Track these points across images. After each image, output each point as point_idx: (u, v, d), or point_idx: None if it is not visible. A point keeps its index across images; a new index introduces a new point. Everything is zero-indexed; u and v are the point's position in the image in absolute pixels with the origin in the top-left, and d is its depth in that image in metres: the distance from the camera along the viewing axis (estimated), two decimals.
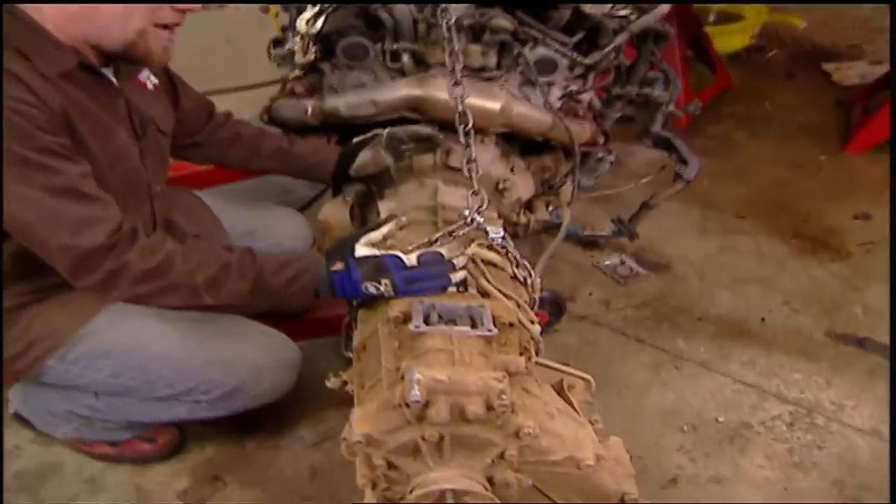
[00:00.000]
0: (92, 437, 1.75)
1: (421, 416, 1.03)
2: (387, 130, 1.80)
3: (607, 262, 2.51)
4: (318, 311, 1.81)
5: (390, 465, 1.07)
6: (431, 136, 1.80)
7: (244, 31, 4.24)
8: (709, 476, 1.75)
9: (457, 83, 1.55)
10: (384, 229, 1.48)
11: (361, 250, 1.39)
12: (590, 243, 2.61)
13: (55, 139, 1.28)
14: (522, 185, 2.00)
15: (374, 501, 1.12)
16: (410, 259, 1.33)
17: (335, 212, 1.93)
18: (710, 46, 3.70)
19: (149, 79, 1.60)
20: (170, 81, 1.73)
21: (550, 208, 2.14)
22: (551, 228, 2.10)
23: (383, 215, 1.72)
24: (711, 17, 4.23)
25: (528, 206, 2.09)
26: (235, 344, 1.58)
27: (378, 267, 1.32)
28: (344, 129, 1.96)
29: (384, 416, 1.06)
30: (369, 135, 1.82)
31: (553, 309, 2.16)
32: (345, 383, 1.34)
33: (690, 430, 1.87)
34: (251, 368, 1.58)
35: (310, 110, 1.87)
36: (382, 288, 1.31)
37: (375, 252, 1.38)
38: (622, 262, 2.51)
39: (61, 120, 1.30)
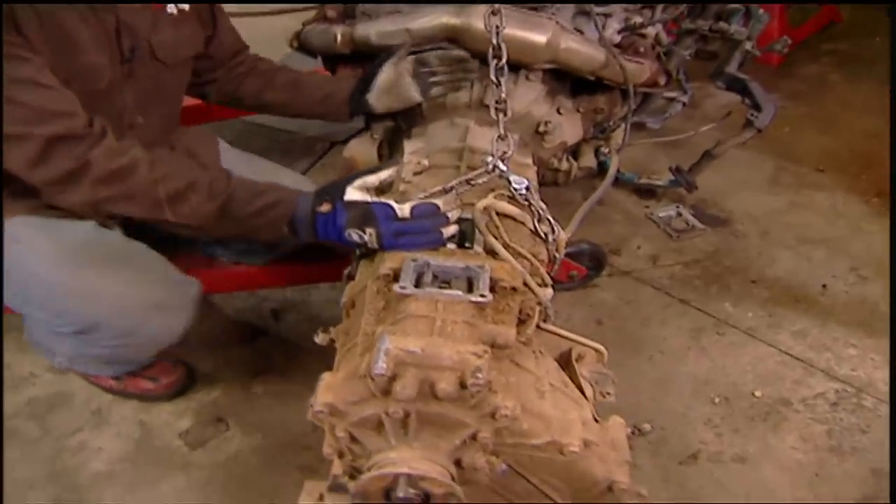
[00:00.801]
0: (82, 369, 1.75)
1: (387, 390, 0.97)
2: (412, 55, 1.64)
3: (662, 214, 2.36)
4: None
5: (353, 439, 1.02)
6: (464, 59, 1.63)
7: None
8: (733, 454, 1.65)
9: (496, 11, 1.42)
10: (383, 174, 1.36)
11: (353, 193, 1.29)
12: (647, 192, 2.46)
13: (9, 35, 1.21)
14: (569, 129, 1.86)
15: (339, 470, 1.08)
16: (403, 210, 1.23)
17: (362, 149, 1.86)
18: None
19: (174, 2, 1.50)
20: (210, 12, 1.63)
21: (602, 153, 2.01)
22: (600, 175, 1.97)
23: (406, 155, 1.63)
24: None
25: (575, 151, 1.95)
26: (109, 277, 1.44)
27: (366, 214, 1.23)
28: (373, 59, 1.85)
29: (350, 385, 1.00)
30: (392, 53, 1.65)
31: (592, 263, 2.05)
32: (332, 341, 1.29)
33: (722, 403, 1.76)
34: (115, 304, 1.43)
35: (339, 37, 1.76)
36: (367, 237, 1.23)
37: (366, 198, 1.28)
38: (678, 215, 2.35)
39: (9, 20, 1.22)
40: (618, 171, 2.02)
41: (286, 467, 1.64)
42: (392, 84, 1.64)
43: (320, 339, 1.29)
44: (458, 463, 1.01)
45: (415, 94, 1.64)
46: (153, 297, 1.48)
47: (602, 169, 2.00)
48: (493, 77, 1.41)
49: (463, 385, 0.96)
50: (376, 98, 1.65)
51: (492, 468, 1.02)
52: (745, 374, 1.83)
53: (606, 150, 2.02)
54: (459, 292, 1.12)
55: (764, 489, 1.57)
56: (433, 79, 1.64)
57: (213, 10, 1.64)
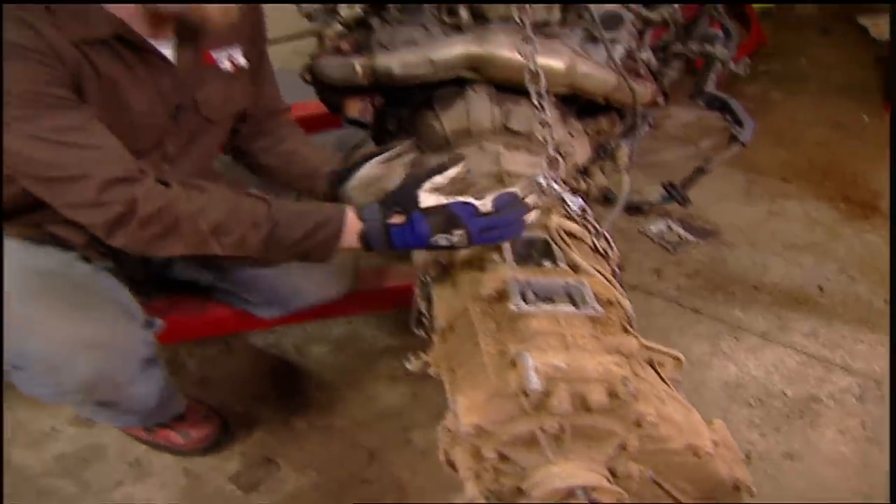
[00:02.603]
0: (110, 423, 1.67)
1: (540, 406, 0.95)
2: (408, 155, 1.58)
3: (654, 230, 2.44)
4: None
5: (502, 458, 1.00)
6: (465, 180, 1.50)
7: None
8: (781, 452, 1.70)
9: (527, 39, 1.44)
10: (451, 172, 1.34)
11: (427, 199, 1.26)
12: (634, 209, 2.52)
13: (61, 90, 1.18)
14: (580, 150, 1.90)
15: (477, 493, 1.05)
16: (485, 204, 1.23)
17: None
18: (744, 1, 3.58)
19: (229, 58, 1.46)
20: (260, 67, 1.59)
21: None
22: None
23: None
24: None
25: (585, 171, 2.00)
26: (48, 308, 1.32)
27: (449, 217, 1.21)
28: (392, 90, 1.85)
29: (496, 405, 0.98)
30: (386, 151, 1.56)
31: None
32: (427, 365, 1.26)
33: (758, 405, 1.81)
34: (42, 337, 1.30)
35: (359, 69, 1.75)
36: (455, 239, 1.21)
37: (442, 200, 1.26)
38: (669, 229, 2.43)
39: (70, 79, 1.20)
40: (608, 190, 2.08)
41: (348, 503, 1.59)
42: (375, 180, 1.54)
43: (413, 365, 1.26)
44: (612, 472, 1.00)
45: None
46: (83, 334, 1.32)
47: (607, 197, 2.06)
48: (535, 102, 1.43)
49: (613, 395, 0.96)
50: (355, 190, 1.54)
51: (642, 475, 1.02)
52: (770, 376, 1.89)
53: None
54: (573, 308, 1.12)
55: (818, 483, 1.62)
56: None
57: (262, 65, 1.60)
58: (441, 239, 1.21)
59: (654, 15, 1.81)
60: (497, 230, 1.22)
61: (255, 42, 1.56)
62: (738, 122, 2.25)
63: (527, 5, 1.46)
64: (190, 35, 1.36)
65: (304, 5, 1.99)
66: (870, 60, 3.59)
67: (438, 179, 1.33)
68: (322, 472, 1.66)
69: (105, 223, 1.21)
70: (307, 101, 2.09)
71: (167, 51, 1.35)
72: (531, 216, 1.26)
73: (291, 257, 1.36)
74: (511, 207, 1.23)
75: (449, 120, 1.79)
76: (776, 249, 2.36)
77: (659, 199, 2.42)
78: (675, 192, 2.35)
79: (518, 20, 1.45)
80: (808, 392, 1.85)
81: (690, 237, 2.40)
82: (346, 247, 1.30)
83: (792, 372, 1.91)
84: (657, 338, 1.96)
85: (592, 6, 1.74)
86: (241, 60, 1.50)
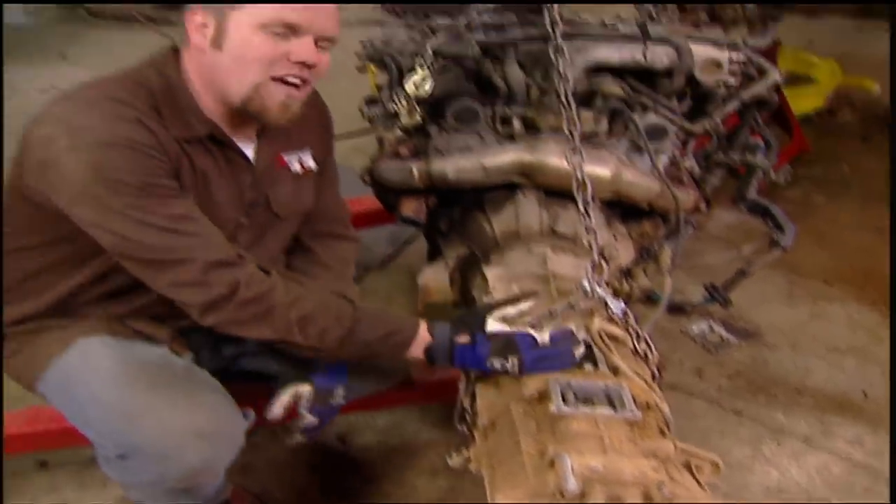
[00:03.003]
0: None
1: None
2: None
3: (696, 330, 2.45)
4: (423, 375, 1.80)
5: None
6: None
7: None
8: None
9: (576, 150, 1.53)
10: (523, 306, 1.44)
11: (493, 325, 1.36)
12: (676, 309, 2.55)
13: (168, 181, 1.29)
14: (624, 252, 1.96)
15: None
16: (544, 338, 1.31)
17: (435, 276, 1.92)
18: (787, 108, 3.65)
19: (300, 161, 1.58)
20: (324, 172, 1.68)
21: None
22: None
23: (490, 281, 1.70)
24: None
25: (628, 273, 2.05)
26: (156, 398, 1.35)
27: (509, 345, 1.30)
28: (445, 192, 1.95)
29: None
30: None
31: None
32: (468, 461, 1.30)
33: None
34: (155, 427, 1.33)
35: (416, 173, 1.86)
36: (509, 365, 1.29)
37: (506, 329, 1.35)
38: (711, 330, 2.44)
39: (173, 172, 1.32)
40: (651, 291, 2.12)
41: None
42: None
43: (454, 461, 1.30)
44: None
45: None
46: (195, 424, 1.37)
47: (649, 297, 2.10)
48: (581, 208, 1.50)
49: (647, 498, 0.99)
50: None
51: None
52: (813, 482, 1.87)
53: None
54: (612, 411, 1.16)
55: None
56: None
57: (328, 170, 1.70)
58: (497, 362, 1.29)
59: (696, 127, 1.89)
60: (548, 360, 1.29)
61: (323, 147, 1.68)
62: (779, 228, 2.29)
63: (575, 117, 1.56)
64: (267, 137, 1.49)
65: (367, 110, 2.13)
66: None
67: (510, 311, 1.43)
68: None
69: (206, 302, 1.29)
70: (362, 197, 2.22)
71: (249, 151, 1.47)
72: (579, 350, 1.33)
73: (362, 356, 1.43)
74: (564, 342, 1.32)
75: (499, 222, 1.88)
76: (819, 352, 2.35)
77: (701, 301, 2.45)
78: (716, 294, 2.39)
79: (567, 132, 1.54)
80: (854, 501, 1.81)
81: (732, 338, 2.41)
82: (411, 356, 1.38)
83: (836, 479, 1.87)
84: (698, 439, 1.98)
85: (637, 118, 1.84)
86: (311, 163, 1.62)
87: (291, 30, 1.29)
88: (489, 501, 1.12)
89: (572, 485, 0.97)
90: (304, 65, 1.32)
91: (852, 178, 3.58)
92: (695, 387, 2.21)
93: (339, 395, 1.52)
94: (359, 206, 2.26)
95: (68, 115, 1.27)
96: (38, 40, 4.82)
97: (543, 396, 1.20)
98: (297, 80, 1.34)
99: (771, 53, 3.35)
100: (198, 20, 1.30)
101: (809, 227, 3.11)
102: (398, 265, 2.78)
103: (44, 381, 1.44)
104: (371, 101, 2.16)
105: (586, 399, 1.20)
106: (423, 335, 1.37)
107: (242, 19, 1.27)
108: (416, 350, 1.37)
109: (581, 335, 1.35)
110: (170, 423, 1.34)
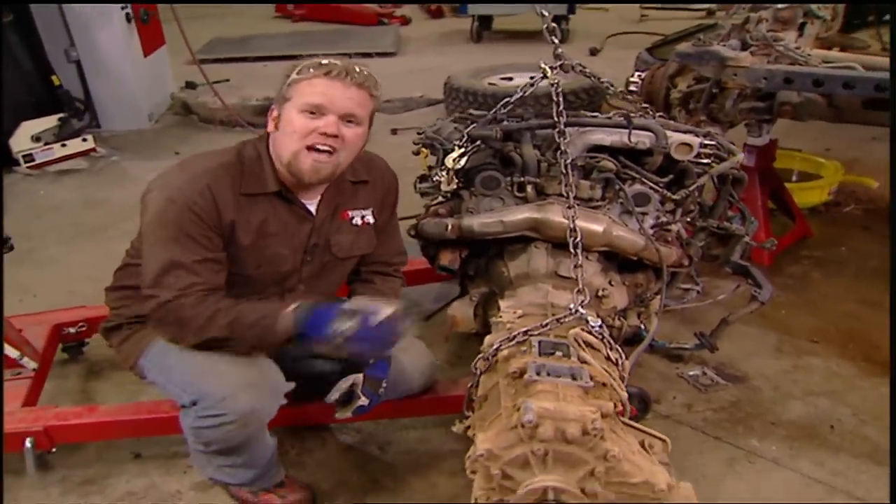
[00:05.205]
0: (228, 480, 1.98)
1: (531, 435, 1.27)
2: None
3: (691, 373, 2.66)
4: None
5: (504, 475, 1.31)
6: None
7: None
8: None
9: (570, 207, 1.87)
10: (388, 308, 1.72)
11: (351, 303, 1.75)
12: (675, 357, 2.77)
13: (205, 233, 1.69)
14: (618, 296, 2.25)
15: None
16: (386, 311, 1.65)
17: (462, 309, 2.26)
18: (789, 198, 3.89)
19: (361, 217, 1.97)
20: (385, 226, 2.08)
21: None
22: (636, 341, 2.32)
23: (502, 309, 2.02)
24: (794, 177, 4.46)
25: (623, 314, 2.32)
26: (219, 361, 1.75)
27: (352, 315, 1.66)
28: (474, 244, 2.30)
29: (502, 436, 1.31)
30: None
31: (640, 404, 2.33)
32: (467, 428, 1.59)
33: None
34: (219, 377, 1.73)
35: (449, 227, 2.22)
36: (344, 328, 1.62)
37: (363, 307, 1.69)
38: (704, 374, 2.65)
39: (224, 229, 1.72)
40: (653, 339, 2.37)
41: None
42: None
43: (457, 428, 1.60)
44: (581, 490, 1.28)
45: None
46: (247, 376, 1.74)
47: (640, 337, 2.36)
48: (571, 249, 1.83)
49: (585, 432, 1.27)
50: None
51: (604, 497, 1.29)
52: (777, 494, 2.04)
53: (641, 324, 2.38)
54: (570, 380, 1.45)
55: None
56: None
57: (386, 226, 2.09)
58: (335, 326, 1.63)
59: (676, 196, 2.20)
60: (370, 342, 1.64)
61: (385, 209, 2.06)
62: (758, 285, 2.53)
63: (574, 185, 1.91)
64: (328, 197, 1.87)
65: (419, 185, 2.51)
66: None
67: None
68: None
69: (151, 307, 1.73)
70: (414, 259, 2.57)
71: (311, 206, 1.86)
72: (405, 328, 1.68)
73: (254, 335, 1.73)
74: (389, 326, 1.65)
75: (514, 266, 2.21)
76: (797, 394, 2.52)
77: (692, 346, 2.68)
78: (704, 340, 2.62)
79: (565, 193, 1.89)
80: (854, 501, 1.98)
81: (721, 381, 2.61)
82: (283, 328, 1.69)
83: (796, 493, 2.04)
84: (678, 457, 2.19)
85: (626, 188, 2.17)
86: (370, 219, 2.00)
87: (318, 110, 1.70)
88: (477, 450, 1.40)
89: (529, 417, 1.27)
90: (329, 136, 1.70)
91: (850, 259, 3.74)
92: (683, 417, 2.42)
93: (383, 386, 1.85)
94: (411, 266, 2.59)
95: (169, 173, 1.75)
96: (157, 140, 5.55)
97: (523, 372, 1.50)
98: (326, 148, 1.71)
99: (769, 149, 3.68)
100: (273, 113, 1.76)
101: (804, 298, 3.29)
102: (441, 318, 3.10)
103: (144, 357, 1.89)
104: (423, 178, 2.58)
105: (555, 375, 1.49)
106: (289, 312, 1.69)
107: (290, 106, 1.71)
108: (286, 323, 1.68)
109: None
110: (227, 375, 1.74)
